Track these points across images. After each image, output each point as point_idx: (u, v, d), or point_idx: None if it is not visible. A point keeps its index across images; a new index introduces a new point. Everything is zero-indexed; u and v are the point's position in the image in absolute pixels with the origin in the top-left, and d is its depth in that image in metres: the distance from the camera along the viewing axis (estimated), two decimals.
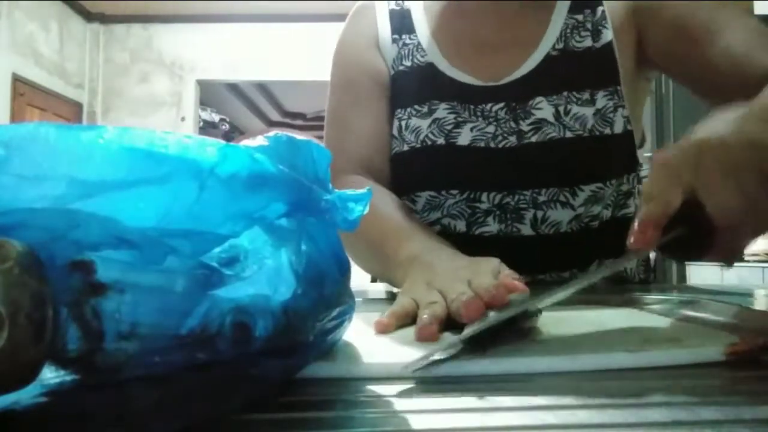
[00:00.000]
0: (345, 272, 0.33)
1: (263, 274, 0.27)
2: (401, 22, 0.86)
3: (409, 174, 0.82)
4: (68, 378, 0.26)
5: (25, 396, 0.23)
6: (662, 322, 0.46)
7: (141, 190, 0.24)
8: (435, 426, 0.25)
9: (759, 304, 0.60)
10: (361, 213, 0.30)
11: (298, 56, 5.40)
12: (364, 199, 0.31)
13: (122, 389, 0.25)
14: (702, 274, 2.82)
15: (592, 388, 0.30)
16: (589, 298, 0.56)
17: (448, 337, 0.40)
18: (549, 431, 0.24)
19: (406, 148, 0.81)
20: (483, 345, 0.36)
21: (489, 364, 0.33)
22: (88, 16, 5.48)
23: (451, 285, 0.45)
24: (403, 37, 0.85)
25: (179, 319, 0.25)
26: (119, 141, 0.24)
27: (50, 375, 0.25)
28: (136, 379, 0.25)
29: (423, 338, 0.38)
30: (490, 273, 0.48)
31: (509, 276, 0.47)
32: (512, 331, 0.39)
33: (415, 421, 0.25)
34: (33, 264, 0.22)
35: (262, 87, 6.89)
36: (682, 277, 2.99)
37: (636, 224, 0.41)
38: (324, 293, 0.31)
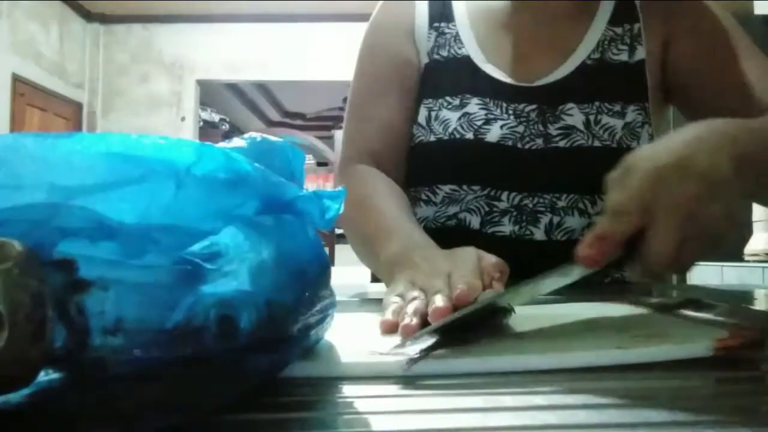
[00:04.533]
0: (325, 268, 0.34)
1: (245, 268, 0.27)
2: (441, 10, 0.85)
3: (433, 165, 0.81)
4: (56, 376, 0.26)
5: (14, 396, 0.23)
6: (653, 318, 0.46)
7: (120, 191, 0.25)
8: (436, 426, 0.25)
9: (759, 304, 0.60)
10: (336, 211, 0.31)
11: (298, 56, 5.40)
12: (340, 197, 0.31)
13: (110, 387, 0.25)
14: (702, 274, 2.82)
15: (592, 388, 0.30)
16: (584, 297, 0.56)
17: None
18: (549, 431, 0.24)
19: (432, 138, 0.80)
20: (459, 340, 0.36)
21: (474, 362, 0.33)
22: (88, 16, 5.48)
23: (431, 282, 0.45)
24: (442, 25, 0.84)
25: (164, 313, 0.25)
26: (96, 147, 0.25)
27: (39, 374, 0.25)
28: (124, 377, 0.25)
29: (405, 334, 0.37)
30: (469, 263, 0.48)
31: (490, 266, 0.48)
32: (484, 327, 0.40)
33: (413, 422, 0.25)
34: (33, 264, 0.22)
35: (262, 87, 6.89)
36: (682, 277, 2.99)
37: (592, 238, 0.43)
38: (305, 288, 0.31)
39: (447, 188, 0.79)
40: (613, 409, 0.26)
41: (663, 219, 0.42)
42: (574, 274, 0.44)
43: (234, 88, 6.59)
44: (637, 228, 0.43)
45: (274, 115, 7.94)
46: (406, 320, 0.39)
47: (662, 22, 0.79)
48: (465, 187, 0.78)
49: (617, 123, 0.76)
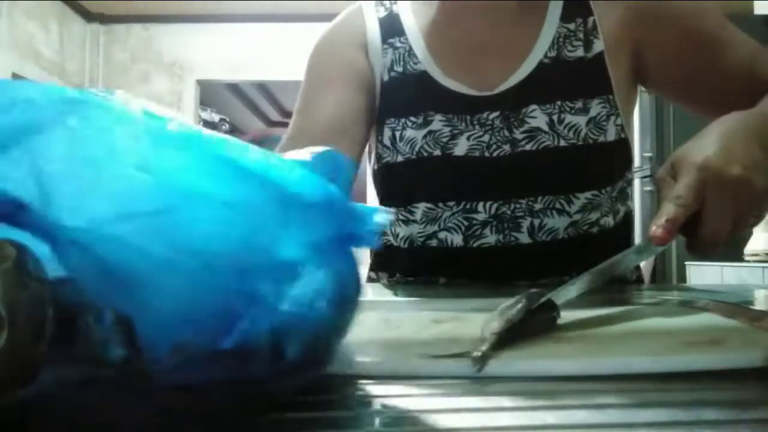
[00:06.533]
0: (360, 293, 0.33)
1: (302, 296, 0.26)
2: (390, 27, 0.85)
3: (405, 186, 0.81)
4: (95, 385, 0.25)
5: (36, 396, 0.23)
6: (712, 322, 0.45)
7: (222, 212, 0.24)
8: (436, 426, 0.25)
9: (759, 304, 0.60)
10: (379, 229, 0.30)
11: (298, 56, 5.37)
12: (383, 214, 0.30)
13: (150, 398, 0.24)
14: (702, 274, 2.82)
15: (592, 388, 0.30)
16: (619, 297, 0.56)
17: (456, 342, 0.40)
18: (549, 431, 0.24)
19: (400, 159, 0.80)
20: (508, 342, 0.36)
21: (519, 366, 0.32)
22: (88, 16, 5.47)
23: None
24: (394, 39, 0.84)
25: (217, 335, 0.24)
26: (210, 143, 0.24)
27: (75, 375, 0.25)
28: (164, 389, 0.25)
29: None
30: None
31: None
32: (533, 328, 0.39)
33: (413, 421, 0.25)
34: (33, 264, 0.22)
35: (262, 87, 6.88)
36: (682, 277, 2.99)
37: (663, 220, 0.50)
38: (347, 315, 0.30)
39: (423, 206, 0.79)
40: (612, 409, 0.26)
41: (715, 200, 0.52)
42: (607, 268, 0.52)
43: (234, 88, 6.58)
44: (694, 211, 0.51)
45: (274, 115, 7.93)
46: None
47: (626, 24, 0.78)
48: (440, 204, 0.78)
49: (581, 120, 0.75)
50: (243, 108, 7.35)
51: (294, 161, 0.27)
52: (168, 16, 5.48)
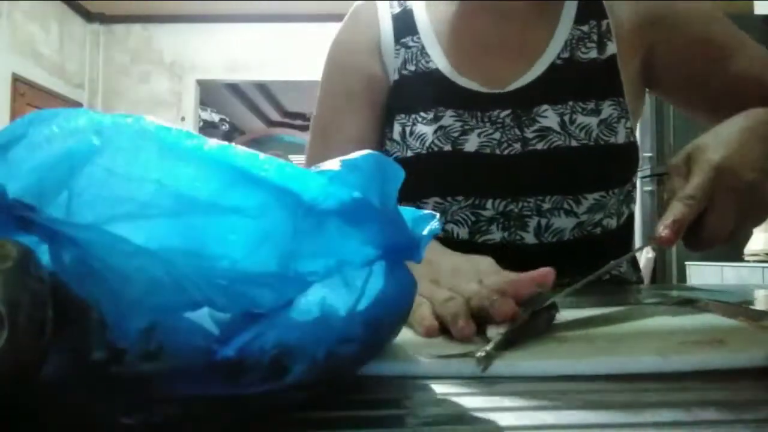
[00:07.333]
0: (405, 318, 0.31)
1: (321, 318, 0.25)
2: (404, 25, 0.84)
3: (415, 180, 0.81)
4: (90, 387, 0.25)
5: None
6: (711, 322, 0.45)
7: (233, 220, 0.23)
8: (438, 426, 0.25)
9: (759, 304, 0.60)
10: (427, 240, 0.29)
11: (298, 56, 5.40)
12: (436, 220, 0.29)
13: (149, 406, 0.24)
14: (702, 274, 2.82)
15: (592, 388, 0.30)
16: (624, 298, 0.56)
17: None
18: (549, 431, 0.24)
19: (410, 153, 0.79)
20: (510, 344, 0.36)
21: (524, 366, 0.33)
22: (88, 16, 5.48)
23: (459, 283, 0.45)
24: (407, 39, 0.84)
25: (214, 345, 0.23)
26: (221, 155, 0.23)
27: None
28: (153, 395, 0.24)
29: (464, 338, 0.39)
30: (494, 271, 0.48)
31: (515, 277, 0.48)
32: (536, 328, 0.39)
33: (416, 421, 0.25)
34: (33, 264, 0.22)
35: (262, 87, 6.89)
36: (682, 277, 2.99)
37: (671, 221, 0.49)
38: (378, 340, 0.28)
39: (432, 201, 0.78)
40: (613, 409, 0.26)
41: (722, 202, 0.51)
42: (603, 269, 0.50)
43: (234, 88, 6.59)
44: (701, 210, 0.51)
45: (274, 115, 7.93)
46: (460, 324, 0.40)
47: (638, 28, 0.78)
48: (449, 198, 0.78)
49: (592, 121, 0.75)
50: (243, 108, 7.35)
51: (317, 171, 0.25)
52: (168, 16, 5.49)
